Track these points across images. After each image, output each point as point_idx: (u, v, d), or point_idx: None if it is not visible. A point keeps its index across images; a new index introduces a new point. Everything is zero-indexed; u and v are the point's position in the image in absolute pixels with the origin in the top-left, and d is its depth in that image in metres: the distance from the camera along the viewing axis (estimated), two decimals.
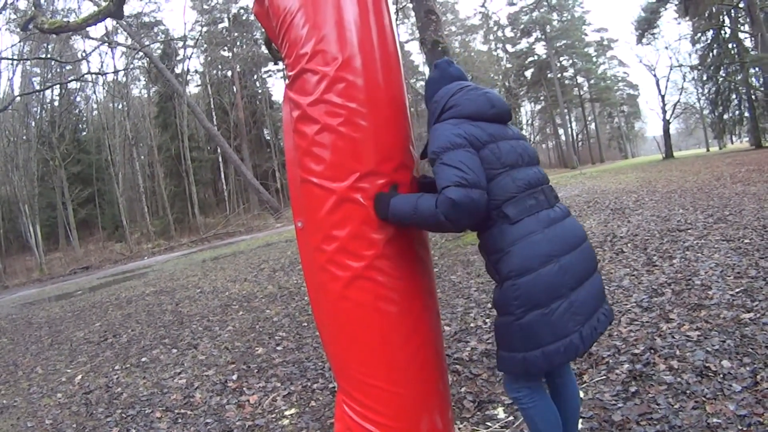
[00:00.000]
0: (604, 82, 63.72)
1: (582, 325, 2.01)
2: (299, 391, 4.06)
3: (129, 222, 40.69)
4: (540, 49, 64.43)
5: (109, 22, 30.53)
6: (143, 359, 5.91)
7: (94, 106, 48.10)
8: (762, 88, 33.15)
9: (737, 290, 4.46)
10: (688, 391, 2.97)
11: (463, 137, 2.00)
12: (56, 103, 43.93)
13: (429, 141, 2.09)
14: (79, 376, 5.71)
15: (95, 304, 11.63)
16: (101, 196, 43.98)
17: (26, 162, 37.47)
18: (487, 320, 4.88)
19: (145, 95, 50.23)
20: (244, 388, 4.35)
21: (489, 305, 5.34)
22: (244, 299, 8.43)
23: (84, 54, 37.03)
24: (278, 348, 5.32)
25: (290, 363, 4.76)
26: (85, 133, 48.18)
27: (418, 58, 58.30)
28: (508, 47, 66.69)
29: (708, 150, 48.16)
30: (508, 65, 66.08)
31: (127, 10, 31.13)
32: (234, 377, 4.69)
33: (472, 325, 4.86)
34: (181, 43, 44.98)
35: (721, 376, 3.07)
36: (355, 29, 2.12)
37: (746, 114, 38.58)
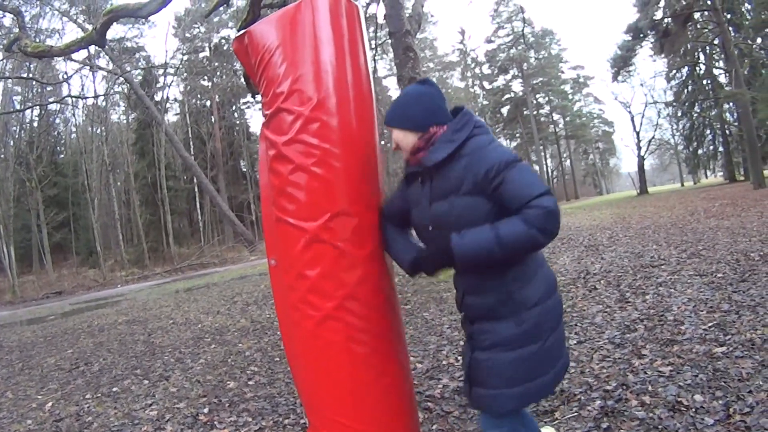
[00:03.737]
0: (580, 119, 64.69)
1: (562, 353, 2.10)
2: (270, 426, 4.00)
3: (103, 249, 40.12)
4: (517, 86, 65.42)
5: (92, 46, 30.40)
6: (114, 389, 5.78)
7: (73, 129, 47.85)
8: (736, 123, 33.94)
9: (710, 324, 4.50)
10: (660, 426, 2.95)
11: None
12: (35, 124, 43.54)
13: (479, 146, 2.02)
14: (50, 403, 5.57)
15: (67, 331, 11.40)
16: (76, 220, 43.39)
17: (2, 182, 36.97)
18: (459, 358, 4.86)
19: (124, 121, 50.09)
20: (216, 422, 4.27)
21: (461, 342, 5.31)
22: (217, 332, 8.33)
23: (65, 76, 36.79)
24: (250, 382, 5.25)
25: (262, 398, 4.69)
26: (63, 156, 47.74)
27: (396, 93, 58.78)
28: (485, 84, 67.60)
29: (682, 185, 49.15)
30: (485, 102, 66.90)
31: (110, 34, 31.15)
32: (205, 410, 4.60)
33: (444, 362, 4.84)
34: (161, 71, 45.02)
35: (693, 410, 3.07)
36: (331, 70, 2.15)
37: (720, 149, 39.63)
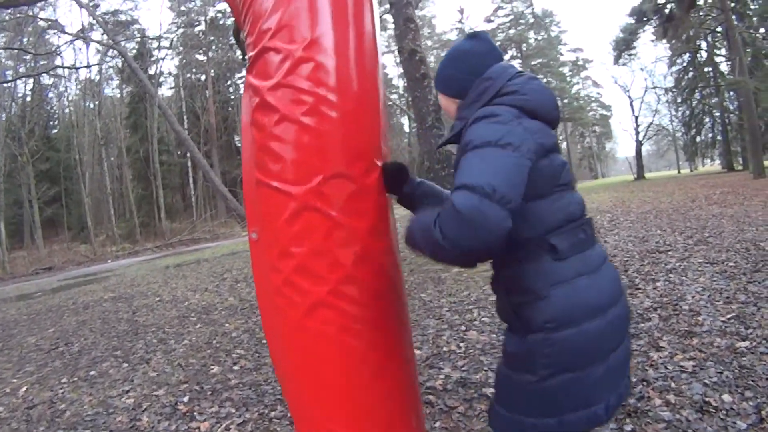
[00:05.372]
0: (578, 102, 64.22)
1: (610, 393, 1.60)
2: (255, 419, 3.65)
3: (95, 224, 39.86)
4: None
5: (86, 17, 30.01)
6: (92, 372, 5.44)
7: (66, 103, 47.16)
8: (736, 112, 33.73)
9: (729, 316, 4.19)
10: (689, 430, 2.68)
11: (527, 139, 1.51)
12: (29, 98, 42.90)
13: (468, 126, 1.59)
14: (24, 388, 5.24)
15: (52, 308, 11.08)
16: (68, 195, 43.03)
17: None
18: (461, 344, 4.52)
19: (118, 95, 49.40)
20: (196, 413, 3.92)
21: (463, 327, 4.99)
22: (203, 311, 7.97)
23: (57, 49, 36.11)
24: (235, 367, 4.90)
25: (247, 385, 4.34)
26: (56, 131, 47.15)
27: (393, 70, 58.10)
28: None
29: (679, 172, 48.94)
30: None
31: (104, 6, 30.67)
32: (185, 399, 4.25)
33: (445, 349, 4.48)
34: (156, 44, 44.31)
35: (723, 412, 2.80)
36: (329, 2, 1.75)
37: (719, 137, 39.35)
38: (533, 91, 1.64)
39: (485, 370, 3.84)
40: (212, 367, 5.03)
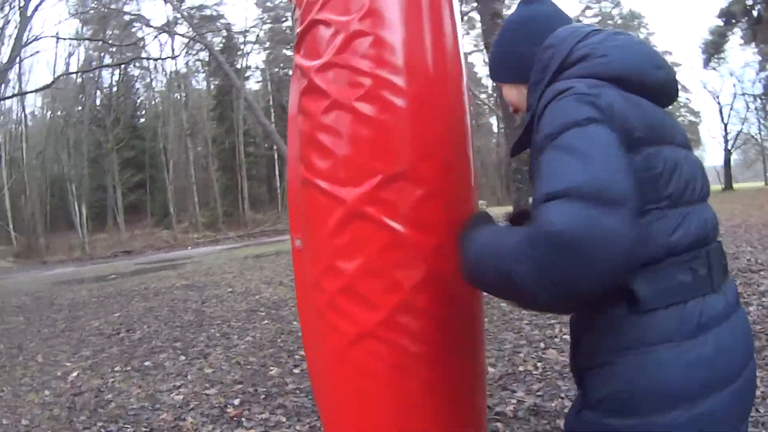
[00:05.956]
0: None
1: None
2: (305, 431, 3.41)
3: (179, 211, 41.16)
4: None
5: (170, 11, 31.00)
6: (147, 363, 5.36)
7: (153, 94, 48.97)
8: None
9: None
10: None
11: (608, 110, 1.02)
12: (115, 89, 44.80)
13: (538, 119, 1.15)
14: (75, 373, 5.22)
15: (122, 292, 11.21)
16: (153, 182, 44.60)
17: (77, 142, 38.41)
18: (539, 364, 4.12)
19: (204, 87, 50.81)
20: (244, 419, 3.71)
21: (542, 344, 4.57)
22: (273, 306, 7.82)
23: (142, 41, 37.54)
24: (295, 370, 4.66)
25: (304, 392, 4.09)
26: (143, 120, 48.99)
27: (482, 70, 56.89)
28: None
29: (766, 184, 46.19)
30: None
31: (189, 1, 31.58)
32: (236, 402, 4.05)
33: (521, 368, 4.08)
34: (242, 38, 45.27)
35: None
36: None
37: None
38: (616, 48, 1.15)
39: (561, 398, 3.44)
40: (271, 368, 4.81)
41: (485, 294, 1.38)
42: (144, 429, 3.73)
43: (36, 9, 13.89)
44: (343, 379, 1.43)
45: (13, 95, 29.36)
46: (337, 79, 1.36)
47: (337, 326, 1.39)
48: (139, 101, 49.66)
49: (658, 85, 1.16)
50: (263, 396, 4.13)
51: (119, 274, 16.30)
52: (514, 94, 1.37)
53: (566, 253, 0.88)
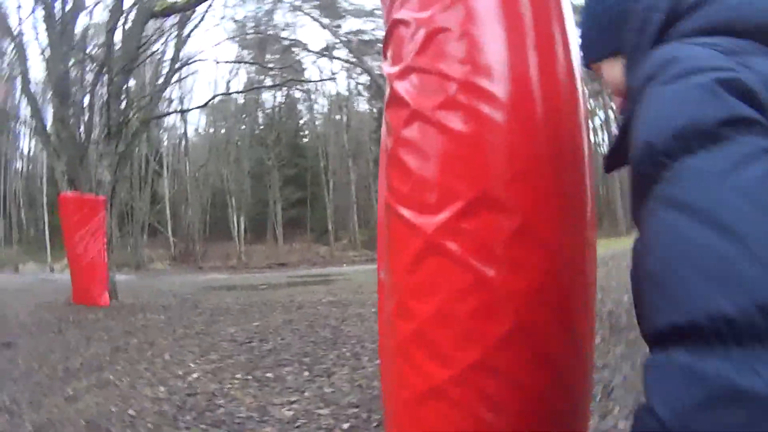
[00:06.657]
0: None
1: None
2: None
3: (339, 228, 42.56)
4: None
5: (329, 36, 32.57)
6: (268, 374, 5.35)
7: (315, 116, 51.40)
8: None
9: None
10: None
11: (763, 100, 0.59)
12: (277, 110, 47.67)
13: (635, 116, 0.69)
14: (196, 375, 5.34)
15: (267, 302, 11.53)
16: (314, 200, 46.48)
17: (238, 158, 41.69)
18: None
19: (366, 110, 52.44)
20: None
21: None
22: None
23: (302, 66, 39.68)
24: None
25: None
26: (306, 140, 51.47)
27: None
28: None
29: None
30: None
31: (346, 27, 32.78)
32: (345, 426, 3.87)
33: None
34: None
35: None
36: None
37: None
38: None
39: None
40: None
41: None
42: None
43: (189, 34, 15.24)
44: None
45: (171, 112, 32.49)
46: (417, 85, 1.15)
47: (405, 377, 1.17)
48: (302, 122, 52.22)
49: None
50: (375, 424, 3.93)
51: (270, 284, 16.91)
52: (617, 72, 0.94)
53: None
